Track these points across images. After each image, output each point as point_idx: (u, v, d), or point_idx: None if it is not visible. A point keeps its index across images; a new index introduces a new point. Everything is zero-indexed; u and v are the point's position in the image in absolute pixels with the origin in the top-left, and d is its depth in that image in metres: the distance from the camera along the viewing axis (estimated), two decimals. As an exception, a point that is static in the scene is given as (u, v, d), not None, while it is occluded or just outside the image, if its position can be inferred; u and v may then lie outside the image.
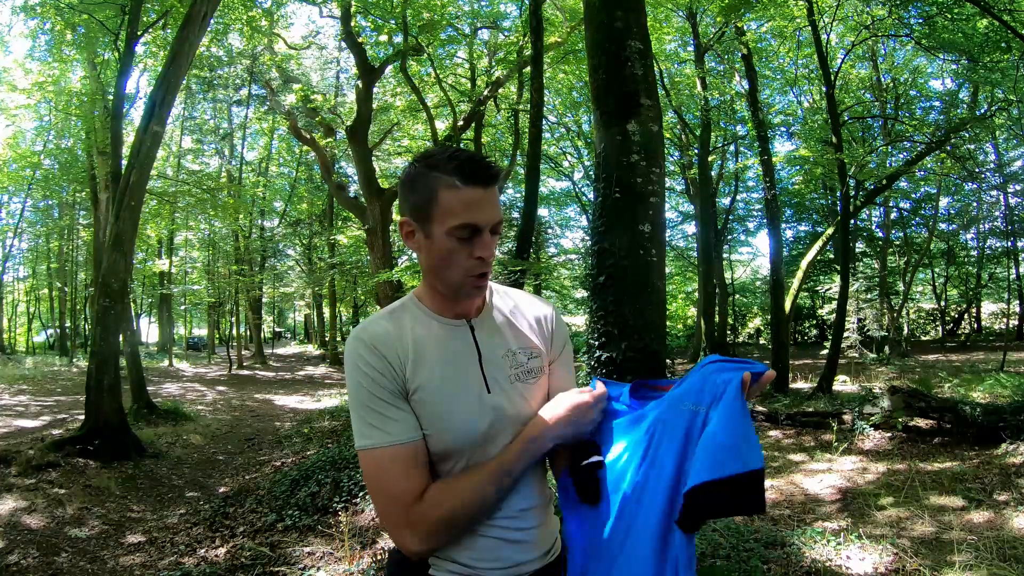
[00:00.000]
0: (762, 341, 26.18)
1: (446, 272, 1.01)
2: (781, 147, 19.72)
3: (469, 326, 1.07)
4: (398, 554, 1.05)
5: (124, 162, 7.52)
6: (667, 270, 6.04)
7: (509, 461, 1.01)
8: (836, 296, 12.43)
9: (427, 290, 1.09)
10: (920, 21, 9.59)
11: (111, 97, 9.76)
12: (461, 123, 12.62)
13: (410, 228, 1.03)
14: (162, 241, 22.80)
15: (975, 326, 23.49)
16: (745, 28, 11.42)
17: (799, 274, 11.93)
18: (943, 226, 19.96)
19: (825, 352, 11.26)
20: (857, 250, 19.57)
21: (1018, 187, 16.59)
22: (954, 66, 11.37)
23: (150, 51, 11.33)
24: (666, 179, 4.42)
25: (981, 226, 19.95)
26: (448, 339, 1.05)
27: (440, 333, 1.05)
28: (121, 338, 7.36)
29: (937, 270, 21.84)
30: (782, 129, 17.96)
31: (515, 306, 1.16)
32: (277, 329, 43.85)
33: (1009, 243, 18.74)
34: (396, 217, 16.53)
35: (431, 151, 1.01)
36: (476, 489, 0.98)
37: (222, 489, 5.53)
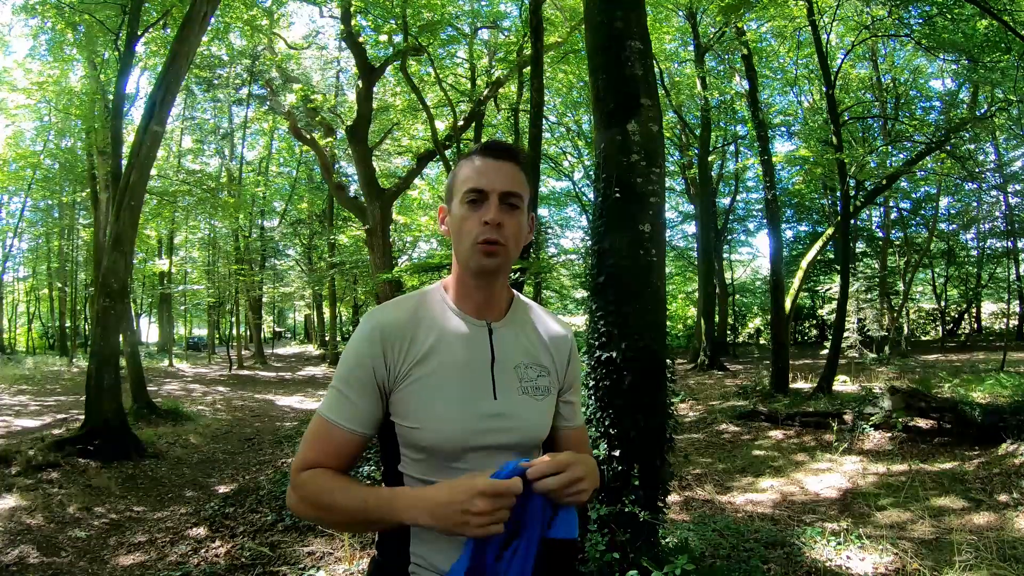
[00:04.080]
0: (762, 341, 26.17)
1: (460, 242, 1.04)
2: (781, 147, 19.73)
3: (488, 328, 1.07)
4: (380, 557, 1.07)
5: (124, 162, 7.52)
6: (667, 270, 6.04)
7: (371, 508, 0.96)
8: (836, 296, 12.42)
9: (454, 280, 1.10)
10: (920, 21, 9.57)
11: (111, 97, 9.75)
12: (461, 123, 12.61)
13: (443, 213, 1.10)
14: (162, 241, 22.78)
15: (975, 326, 23.48)
16: (745, 28, 11.41)
17: (799, 274, 11.93)
18: (943, 226, 19.95)
19: (825, 352, 11.26)
20: (857, 250, 19.56)
21: (1018, 187, 16.57)
22: (954, 66, 11.35)
23: (150, 51, 11.33)
24: (666, 179, 4.40)
25: (981, 226, 19.93)
26: (464, 337, 1.05)
27: (458, 330, 1.06)
28: (121, 338, 7.36)
29: (937, 270, 21.82)
30: (782, 129, 17.97)
31: (536, 322, 1.15)
32: (277, 329, 43.86)
33: (1009, 243, 18.73)
34: (396, 217, 16.61)
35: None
36: (332, 501, 0.97)
37: (222, 489, 5.53)
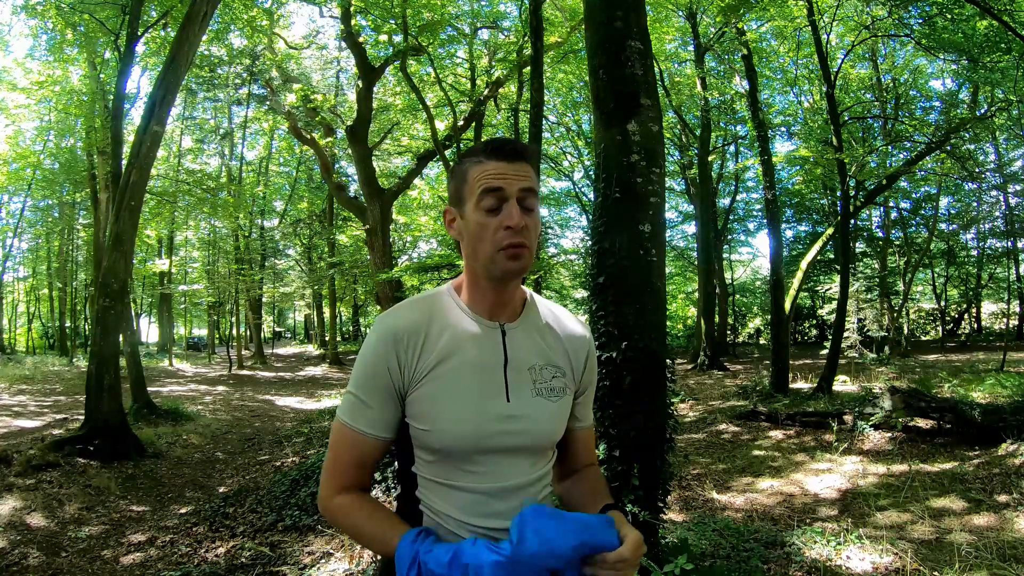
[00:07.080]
0: (762, 341, 26.18)
1: (479, 248, 1.00)
2: (781, 147, 19.74)
3: (501, 330, 1.06)
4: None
5: (124, 162, 7.52)
6: (667, 270, 6.03)
7: (382, 544, 1.00)
8: (836, 296, 12.43)
9: (466, 282, 1.08)
10: (920, 21, 9.58)
11: (111, 97, 9.76)
12: (461, 123, 12.62)
13: (451, 216, 1.07)
14: (162, 241, 22.80)
15: (975, 326, 23.47)
16: (745, 28, 11.40)
17: (799, 274, 11.91)
18: (943, 226, 19.93)
19: (825, 352, 11.25)
20: (857, 250, 19.55)
21: (1018, 187, 16.57)
22: (954, 66, 11.35)
23: (150, 51, 11.33)
24: (666, 179, 4.40)
25: (981, 226, 19.94)
26: (477, 339, 1.04)
27: (470, 331, 1.04)
28: (121, 338, 7.36)
29: (937, 270, 21.82)
30: (782, 129, 17.95)
31: (553, 321, 1.13)
32: (277, 329, 43.87)
33: (1009, 243, 18.73)
34: (396, 217, 16.60)
35: (472, 146, 1.07)
36: (359, 534, 1.05)
37: (222, 489, 5.53)
